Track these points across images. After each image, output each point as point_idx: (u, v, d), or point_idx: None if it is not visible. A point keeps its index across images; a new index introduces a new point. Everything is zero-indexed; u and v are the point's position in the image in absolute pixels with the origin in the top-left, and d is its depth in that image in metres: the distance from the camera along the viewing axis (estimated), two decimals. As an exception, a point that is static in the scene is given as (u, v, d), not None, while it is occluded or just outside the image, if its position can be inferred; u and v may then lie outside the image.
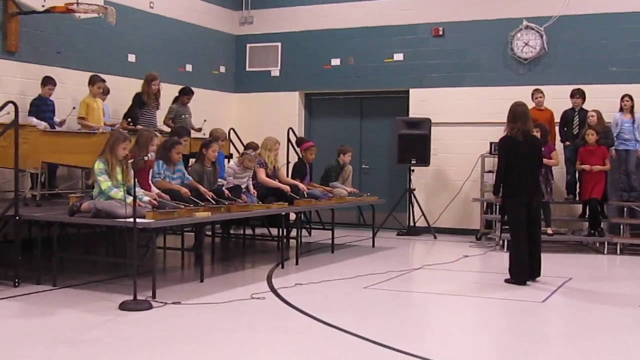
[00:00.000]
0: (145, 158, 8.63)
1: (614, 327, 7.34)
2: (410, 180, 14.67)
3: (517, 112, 9.46)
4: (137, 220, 7.69)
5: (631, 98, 12.90)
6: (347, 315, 7.48)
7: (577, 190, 13.07)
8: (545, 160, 10.90)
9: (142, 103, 12.14)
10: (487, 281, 9.91)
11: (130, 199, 7.76)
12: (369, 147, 15.96)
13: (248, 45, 16.73)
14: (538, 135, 10.93)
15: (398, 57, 15.47)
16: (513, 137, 9.36)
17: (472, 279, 10.29)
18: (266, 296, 8.28)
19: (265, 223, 12.44)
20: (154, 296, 7.89)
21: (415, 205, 14.66)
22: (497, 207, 13.10)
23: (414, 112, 15.14)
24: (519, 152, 9.25)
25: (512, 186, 9.30)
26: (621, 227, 12.94)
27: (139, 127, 11.54)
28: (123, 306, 7.45)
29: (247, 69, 16.76)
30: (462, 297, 8.81)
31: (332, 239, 12.10)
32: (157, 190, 9.14)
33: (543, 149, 10.13)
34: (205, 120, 13.13)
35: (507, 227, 9.82)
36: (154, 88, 12.21)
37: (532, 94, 13.38)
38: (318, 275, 9.71)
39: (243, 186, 10.77)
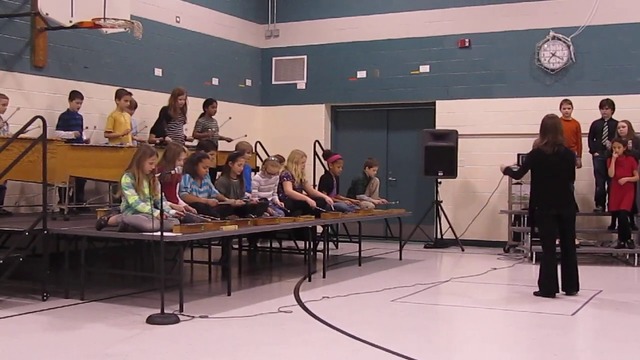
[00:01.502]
0: (172, 172, 8.65)
1: (645, 340, 7.26)
2: (437, 192, 14.61)
3: (547, 125, 9.40)
4: (165, 233, 7.70)
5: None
6: (375, 329, 7.43)
7: (606, 201, 12.95)
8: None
9: (169, 117, 12.20)
10: (516, 294, 9.82)
11: (157, 213, 7.77)
12: (395, 159, 15.92)
13: (274, 59, 16.77)
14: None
15: (424, 68, 15.44)
16: (541, 150, 9.31)
17: (500, 292, 10.21)
18: (293, 310, 8.24)
19: (292, 236, 12.42)
20: (181, 310, 7.89)
21: (443, 217, 14.60)
22: (526, 218, 13.04)
23: (441, 123, 15.10)
24: (548, 164, 9.19)
25: (542, 197, 9.25)
26: (651, 238, 12.82)
27: (167, 139, 11.60)
28: (150, 320, 7.45)
29: (273, 82, 16.79)
30: (491, 310, 8.75)
31: (360, 251, 12.06)
32: (184, 204, 9.15)
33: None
34: (245, 135, 13.17)
35: (538, 239, 9.75)
36: (180, 102, 12.27)
37: (560, 105, 13.29)
38: (345, 288, 9.67)
39: (269, 198, 10.77)
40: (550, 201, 9.17)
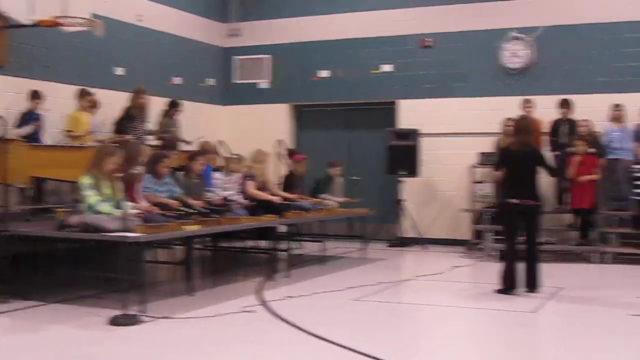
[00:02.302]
0: (133, 172, 8.59)
1: (605, 335, 7.35)
2: (400, 191, 14.66)
3: (520, 125, 9.70)
4: (127, 234, 7.64)
5: (621, 108, 12.97)
6: (338, 328, 7.44)
7: (567, 200, 13.07)
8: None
9: (130, 116, 12.11)
10: (478, 292, 9.89)
11: (118, 213, 7.71)
12: (358, 159, 15.93)
13: (236, 58, 16.72)
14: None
15: (387, 68, 15.48)
16: (509, 148, 9.65)
17: (463, 290, 10.27)
18: (257, 309, 8.24)
19: (255, 236, 12.40)
20: (144, 311, 7.83)
21: (406, 216, 14.65)
22: (489, 217, 13.15)
23: (403, 123, 15.15)
24: (515, 162, 9.36)
25: (508, 194, 9.35)
26: (611, 236, 12.95)
27: (128, 138, 11.52)
28: (113, 321, 7.40)
29: (236, 81, 16.74)
30: (453, 308, 8.81)
31: (323, 251, 12.07)
32: (146, 204, 9.09)
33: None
34: (202, 137, 13.08)
35: (501, 237, 9.86)
36: (142, 101, 12.19)
37: (522, 104, 13.40)
38: (309, 287, 9.68)
39: (232, 197, 10.74)
40: (516, 198, 9.24)
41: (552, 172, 10.18)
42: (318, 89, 16.05)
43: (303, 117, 16.67)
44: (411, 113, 15.12)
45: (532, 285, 9.28)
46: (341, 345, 6.62)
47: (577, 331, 7.66)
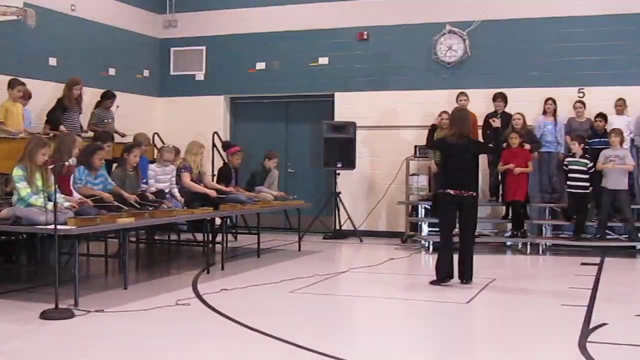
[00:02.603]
0: (66, 164, 8.47)
1: (538, 325, 7.45)
2: (336, 183, 14.71)
3: (456, 116, 9.76)
4: (59, 226, 7.53)
5: (554, 101, 13.20)
6: (273, 320, 7.44)
7: (501, 192, 13.25)
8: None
9: (64, 108, 11.94)
10: (413, 283, 9.99)
11: (50, 205, 7.60)
12: (294, 151, 15.94)
13: (172, 49, 16.57)
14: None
15: (323, 61, 15.50)
16: (446, 139, 9.65)
17: (398, 281, 10.34)
18: (191, 302, 8.19)
19: (190, 228, 12.32)
20: (76, 304, 7.73)
21: (341, 208, 14.70)
22: (424, 209, 13.26)
23: (339, 116, 15.18)
24: (452, 154, 9.39)
25: (445, 185, 9.40)
26: (543, 227, 13.17)
27: (61, 128, 11.36)
28: (44, 315, 7.28)
29: (172, 72, 16.60)
30: (388, 300, 8.87)
31: (258, 243, 12.05)
32: (79, 196, 8.97)
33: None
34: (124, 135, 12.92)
35: (436, 228, 9.94)
36: (75, 92, 12.02)
37: (456, 97, 13.54)
38: (244, 280, 9.66)
39: (166, 190, 10.67)
40: (452, 189, 9.31)
41: (493, 151, 10.26)
42: (254, 81, 15.99)
43: (239, 109, 16.60)
44: (348, 106, 15.16)
45: (466, 276, 9.38)
46: (276, 337, 6.62)
47: (510, 321, 7.77)
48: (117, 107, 13.20)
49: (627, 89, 13.32)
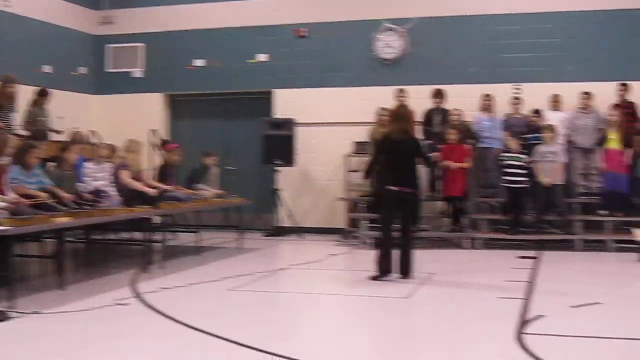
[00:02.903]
0: (0, 163, 8.31)
1: (475, 318, 7.54)
2: (276, 181, 14.69)
3: (397, 114, 9.82)
4: (-7, 227, 7.39)
5: (491, 97, 13.34)
6: (213, 318, 7.39)
7: (439, 187, 13.35)
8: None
9: (-2, 106, 11.71)
10: (353, 279, 10.02)
11: (-16, 206, 7.46)
12: (234, 148, 15.88)
13: (109, 46, 16.38)
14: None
15: (262, 57, 15.47)
16: (388, 136, 9.63)
17: (338, 277, 10.37)
18: (130, 302, 8.10)
19: (129, 227, 12.19)
20: (12, 306, 7.58)
21: (282, 205, 14.69)
22: (365, 205, 13.31)
23: (279, 112, 15.18)
24: (394, 150, 9.43)
25: (387, 182, 9.42)
26: (481, 222, 13.31)
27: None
28: (-21, 317, 7.15)
29: (109, 70, 16.41)
30: (329, 296, 8.88)
31: (199, 241, 11.97)
32: (14, 195, 8.81)
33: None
34: (77, 128, 12.74)
35: (376, 224, 9.97)
36: (10, 90, 11.79)
37: (395, 94, 13.60)
38: (184, 278, 9.58)
39: (104, 188, 10.53)
40: (394, 185, 9.35)
41: (427, 162, 10.37)
42: (193, 78, 15.89)
43: (178, 107, 16.48)
44: (287, 103, 15.16)
45: (406, 271, 9.45)
46: (217, 336, 6.58)
47: (448, 315, 7.83)
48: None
49: (562, 85, 13.55)
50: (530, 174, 12.56)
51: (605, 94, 13.17)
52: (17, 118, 12.36)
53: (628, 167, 12.62)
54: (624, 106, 13.09)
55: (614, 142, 12.65)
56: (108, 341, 6.57)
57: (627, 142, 12.65)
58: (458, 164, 12.63)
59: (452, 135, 12.71)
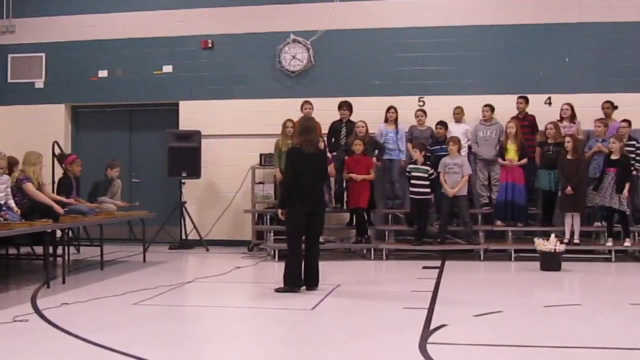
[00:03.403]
0: None
1: (380, 328, 7.61)
2: (181, 193, 14.56)
3: (304, 126, 9.78)
4: None
5: (395, 110, 13.51)
6: (116, 334, 7.26)
7: (345, 198, 13.43)
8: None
9: None
10: (259, 291, 9.99)
11: None
12: (139, 160, 15.69)
13: (9, 56, 16.00)
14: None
15: (167, 69, 15.35)
16: (300, 149, 9.54)
17: (244, 290, 10.34)
18: (30, 318, 7.90)
19: (29, 241, 11.89)
20: None
21: (187, 218, 14.56)
22: (269, 217, 13.30)
23: (184, 124, 15.06)
24: (305, 164, 9.41)
25: (296, 196, 9.38)
26: (386, 233, 13.44)
27: None
28: None
29: (9, 80, 16.02)
30: (234, 309, 8.85)
31: (101, 255, 11.76)
32: None
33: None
34: None
35: (283, 236, 9.95)
36: None
37: (301, 106, 13.64)
38: (86, 293, 9.40)
39: (2, 201, 10.25)
40: (304, 200, 9.35)
41: (326, 178, 10.43)
42: (97, 89, 15.64)
43: (81, 118, 16.19)
44: (193, 114, 15.06)
45: (311, 283, 9.47)
46: (117, 351, 6.47)
47: (354, 326, 7.88)
48: None
49: (464, 98, 13.82)
50: (435, 185, 12.72)
51: (506, 106, 13.51)
52: None
53: (526, 179, 12.92)
54: (523, 118, 13.43)
55: (512, 153, 12.93)
56: (6, 359, 6.40)
57: (524, 154, 12.92)
58: (363, 175, 12.72)
59: (358, 147, 12.80)
